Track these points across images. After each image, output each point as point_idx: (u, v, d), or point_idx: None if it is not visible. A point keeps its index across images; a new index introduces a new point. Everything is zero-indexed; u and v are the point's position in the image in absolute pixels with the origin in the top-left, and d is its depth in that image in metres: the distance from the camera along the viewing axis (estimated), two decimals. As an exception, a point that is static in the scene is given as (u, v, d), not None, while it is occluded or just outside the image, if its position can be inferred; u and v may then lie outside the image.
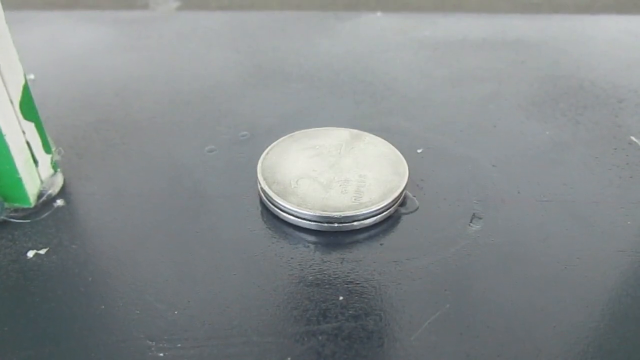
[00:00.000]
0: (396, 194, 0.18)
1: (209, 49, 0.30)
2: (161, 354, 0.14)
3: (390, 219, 0.19)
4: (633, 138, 0.23)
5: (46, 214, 0.19)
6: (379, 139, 0.21)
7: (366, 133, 0.21)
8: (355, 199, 0.18)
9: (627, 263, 0.17)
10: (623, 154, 0.22)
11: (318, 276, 0.16)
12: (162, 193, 0.20)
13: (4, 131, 0.17)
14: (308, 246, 0.18)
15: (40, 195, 0.19)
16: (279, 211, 0.18)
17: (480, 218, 0.19)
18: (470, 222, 0.18)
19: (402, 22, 0.33)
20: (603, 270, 0.17)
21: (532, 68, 0.28)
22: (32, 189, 0.19)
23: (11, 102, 0.18)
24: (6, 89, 0.18)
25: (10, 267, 0.17)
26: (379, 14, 0.34)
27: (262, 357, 0.14)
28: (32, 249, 0.17)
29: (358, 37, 0.32)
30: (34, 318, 0.15)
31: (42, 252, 0.17)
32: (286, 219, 0.18)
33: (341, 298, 0.16)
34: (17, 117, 0.18)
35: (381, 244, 0.18)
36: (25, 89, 0.18)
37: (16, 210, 0.19)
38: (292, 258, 0.17)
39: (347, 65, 0.29)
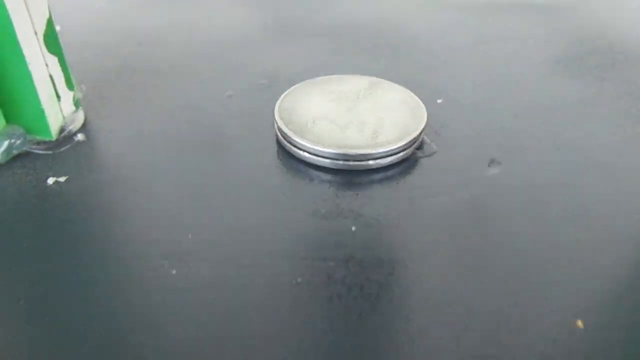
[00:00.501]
0: (413, 136, 0.18)
1: (233, 3, 0.30)
2: (174, 271, 0.14)
3: (406, 161, 0.18)
4: (662, 95, 0.22)
5: (66, 147, 0.19)
6: (398, 86, 0.21)
7: (385, 81, 0.21)
8: (372, 139, 0.18)
9: (649, 208, 0.17)
10: (650, 109, 0.21)
11: (332, 209, 0.16)
12: (181, 132, 0.20)
13: (27, 60, 0.18)
14: (323, 182, 0.18)
15: (61, 130, 0.20)
16: (295, 149, 0.18)
17: (500, 163, 0.18)
18: (489, 165, 0.18)
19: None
20: (624, 214, 0.16)
21: (560, 29, 0.28)
22: (54, 122, 0.19)
23: (35, 33, 0.18)
24: (31, 20, 0.18)
25: (31, 192, 0.17)
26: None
27: (273, 279, 0.14)
28: (52, 177, 0.18)
29: (382, -1, 0.31)
30: (52, 236, 0.16)
31: (62, 179, 0.18)
32: (302, 157, 0.18)
33: (354, 229, 0.16)
34: (41, 49, 0.18)
35: (397, 183, 0.18)
36: (49, 22, 0.19)
37: (38, 142, 0.19)
38: (306, 193, 0.17)
39: (370, 23, 0.28)
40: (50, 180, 0.17)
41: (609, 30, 0.27)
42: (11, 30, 0.17)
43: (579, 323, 0.13)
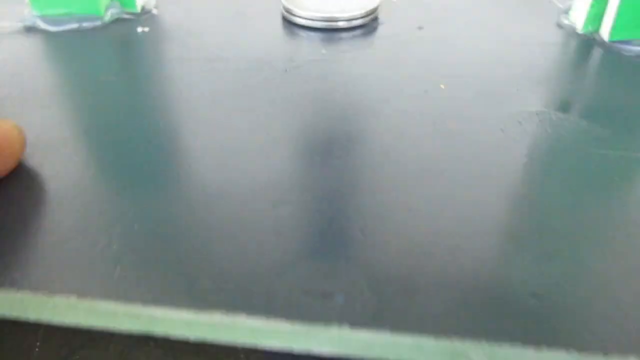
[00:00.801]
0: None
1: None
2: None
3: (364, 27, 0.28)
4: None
5: (146, 15, 0.29)
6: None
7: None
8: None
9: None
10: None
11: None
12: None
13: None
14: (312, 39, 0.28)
15: (142, 7, 0.30)
16: (292, 17, 0.29)
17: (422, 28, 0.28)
18: (418, 28, 0.28)
19: None
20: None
21: None
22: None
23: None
24: None
25: (128, 35, 0.28)
26: None
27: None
28: (140, 27, 0.28)
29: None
30: (146, 58, 0.26)
31: (146, 29, 0.28)
32: (297, 22, 0.28)
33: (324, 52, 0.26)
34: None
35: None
36: None
37: (128, 12, 0.30)
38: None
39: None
40: (139, 29, 0.28)
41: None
42: None
43: (442, 85, 0.23)
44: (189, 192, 0.18)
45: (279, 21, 0.29)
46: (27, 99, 0.23)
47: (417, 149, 0.20)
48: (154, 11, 0.30)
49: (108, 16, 0.29)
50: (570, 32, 0.28)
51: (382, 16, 0.29)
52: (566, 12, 0.29)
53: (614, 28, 0.26)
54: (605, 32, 0.26)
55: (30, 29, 0.28)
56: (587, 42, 0.27)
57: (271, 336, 0.13)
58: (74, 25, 0.28)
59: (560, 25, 0.28)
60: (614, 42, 0.26)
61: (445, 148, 0.20)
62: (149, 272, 0.15)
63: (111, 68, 0.25)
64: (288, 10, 0.29)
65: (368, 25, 0.29)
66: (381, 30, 0.28)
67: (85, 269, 0.15)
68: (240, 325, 0.13)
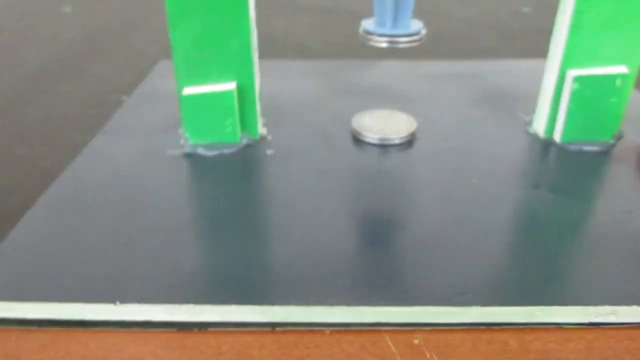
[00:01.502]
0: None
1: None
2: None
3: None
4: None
5: (265, 141, 0.45)
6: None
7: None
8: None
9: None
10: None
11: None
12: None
13: (255, 73, 0.43)
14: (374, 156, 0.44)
15: (260, 135, 0.45)
16: (360, 136, 0.44)
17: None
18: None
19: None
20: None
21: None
22: (259, 126, 0.45)
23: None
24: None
25: (259, 156, 0.42)
26: None
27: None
28: (268, 150, 0.43)
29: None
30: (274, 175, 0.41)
31: (272, 152, 0.43)
32: (364, 140, 0.44)
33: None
34: (255, 62, 0.44)
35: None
36: (258, 88, 0.45)
37: (251, 139, 0.45)
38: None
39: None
40: (268, 152, 0.43)
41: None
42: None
43: (474, 180, 0.39)
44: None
45: (349, 139, 0.45)
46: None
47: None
48: (269, 137, 0.45)
49: (243, 143, 0.44)
50: (535, 137, 0.45)
51: (418, 134, 0.46)
52: (529, 123, 0.47)
53: (563, 133, 0.43)
54: (557, 136, 0.44)
55: (189, 155, 0.43)
56: (546, 143, 0.44)
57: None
58: (220, 151, 0.43)
59: (526, 133, 0.46)
60: (564, 143, 0.43)
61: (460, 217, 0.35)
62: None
63: (255, 183, 0.40)
64: (356, 132, 0.45)
65: (407, 141, 0.45)
66: (418, 143, 0.45)
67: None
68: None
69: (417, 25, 0.41)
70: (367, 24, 0.41)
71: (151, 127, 0.47)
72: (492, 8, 0.95)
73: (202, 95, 0.42)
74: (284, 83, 0.56)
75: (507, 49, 0.73)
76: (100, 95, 0.58)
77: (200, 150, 0.43)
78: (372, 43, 0.41)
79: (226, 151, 0.43)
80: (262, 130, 0.46)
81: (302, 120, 0.48)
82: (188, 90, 0.42)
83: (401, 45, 0.40)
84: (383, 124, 0.46)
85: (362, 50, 0.71)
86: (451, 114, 0.49)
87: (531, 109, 0.49)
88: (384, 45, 0.40)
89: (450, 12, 0.89)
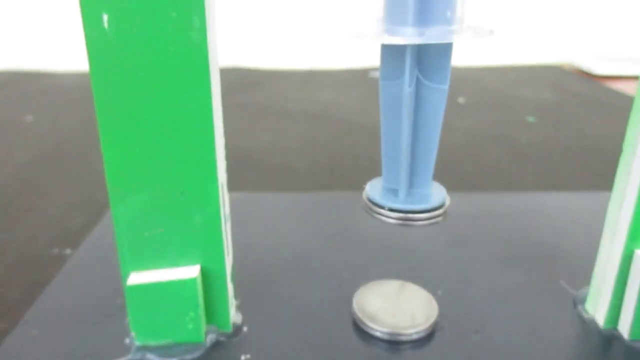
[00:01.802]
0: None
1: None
2: None
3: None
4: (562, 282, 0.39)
5: (239, 337, 0.33)
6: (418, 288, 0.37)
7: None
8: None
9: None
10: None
11: None
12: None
13: (226, 263, 0.33)
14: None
15: (233, 324, 0.34)
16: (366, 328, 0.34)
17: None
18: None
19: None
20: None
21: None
22: (231, 316, 0.34)
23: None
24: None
25: (232, 365, 0.31)
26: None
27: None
28: (243, 355, 0.32)
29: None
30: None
31: (248, 356, 0.32)
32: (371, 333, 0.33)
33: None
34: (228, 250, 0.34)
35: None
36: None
37: (221, 333, 0.34)
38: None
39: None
40: (242, 357, 0.32)
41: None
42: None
43: None
44: None
45: (351, 327, 0.34)
46: None
47: None
48: (245, 329, 0.34)
49: (208, 343, 0.33)
50: (592, 326, 0.34)
51: (439, 320, 0.35)
52: (581, 302, 0.36)
53: (633, 328, 0.32)
54: (624, 330, 0.33)
55: (136, 361, 0.31)
56: (608, 338, 0.33)
57: None
58: (178, 358, 0.32)
59: (579, 317, 0.35)
60: (634, 340, 0.33)
61: None
62: None
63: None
64: (360, 320, 0.34)
65: (427, 335, 0.34)
66: (441, 337, 0.34)
67: None
68: None
69: (438, 192, 0.31)
70: (373, 190, 0.32)
71: (89, 310, 0.36)
72: (495, 117, 0.88)
73: (153, 284, 0.31)
74: (266, 231, 0.46)
75: (521, 171, 0.64)
76: (38, 249, 0.47)
77: (151, 357, 0.32)
78: (379, 217, 0.31)
79: (187, 357, 0.32)
80: (235, 317, 0.35)
81: (289, 296, 0.38)
82: (135, 279, 0.31)
83: (418, 224, 0.30)
84: (394, 308, 0.35)
85: (353, 174, 0.62)
86: (477, 281, 0.39)
87: (576, 272, 0.38)
88: (394, 222, 0.30)
89: (452, 123, 0.81)
